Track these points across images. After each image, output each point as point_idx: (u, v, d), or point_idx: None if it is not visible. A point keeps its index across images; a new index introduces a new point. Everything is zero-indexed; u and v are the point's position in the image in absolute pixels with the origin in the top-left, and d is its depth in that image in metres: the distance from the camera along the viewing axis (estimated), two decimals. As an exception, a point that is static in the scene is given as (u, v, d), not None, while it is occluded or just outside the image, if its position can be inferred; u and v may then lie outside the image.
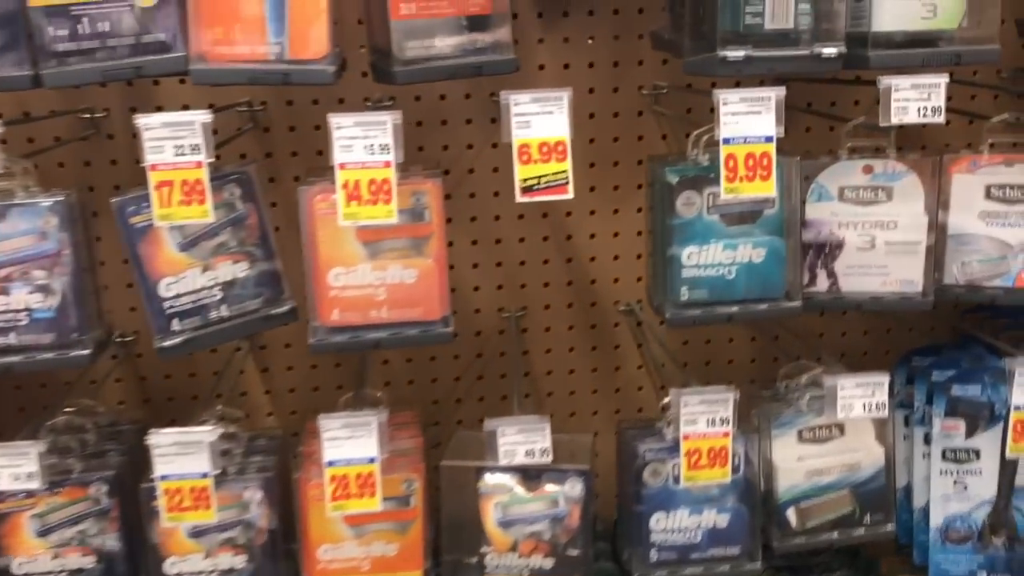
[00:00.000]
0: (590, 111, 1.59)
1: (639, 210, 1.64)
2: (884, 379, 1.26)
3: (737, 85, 1.34)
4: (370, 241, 1.21)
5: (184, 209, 1.11)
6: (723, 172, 1.16)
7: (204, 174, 1.11)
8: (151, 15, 1.14)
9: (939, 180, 1.32)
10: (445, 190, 1.22)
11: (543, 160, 1.14)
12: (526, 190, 1.14)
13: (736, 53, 1.15)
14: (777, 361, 1.56)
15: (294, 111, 1.54)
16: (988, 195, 1.32)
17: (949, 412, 1.43)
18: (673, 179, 1.24)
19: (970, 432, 1.42)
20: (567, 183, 1.15)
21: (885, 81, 1.18)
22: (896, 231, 1.31)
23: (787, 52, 1.17)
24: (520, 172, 1.14)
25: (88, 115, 1.49)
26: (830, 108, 1.62)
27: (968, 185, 1.33)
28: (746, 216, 1.26)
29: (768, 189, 1.17)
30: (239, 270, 1.22)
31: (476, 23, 1.25)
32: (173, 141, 1.10)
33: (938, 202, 1.32)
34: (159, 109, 1.48)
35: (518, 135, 1.14)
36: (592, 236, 1.65)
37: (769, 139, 1.16)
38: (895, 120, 1.18)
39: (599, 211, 1.64)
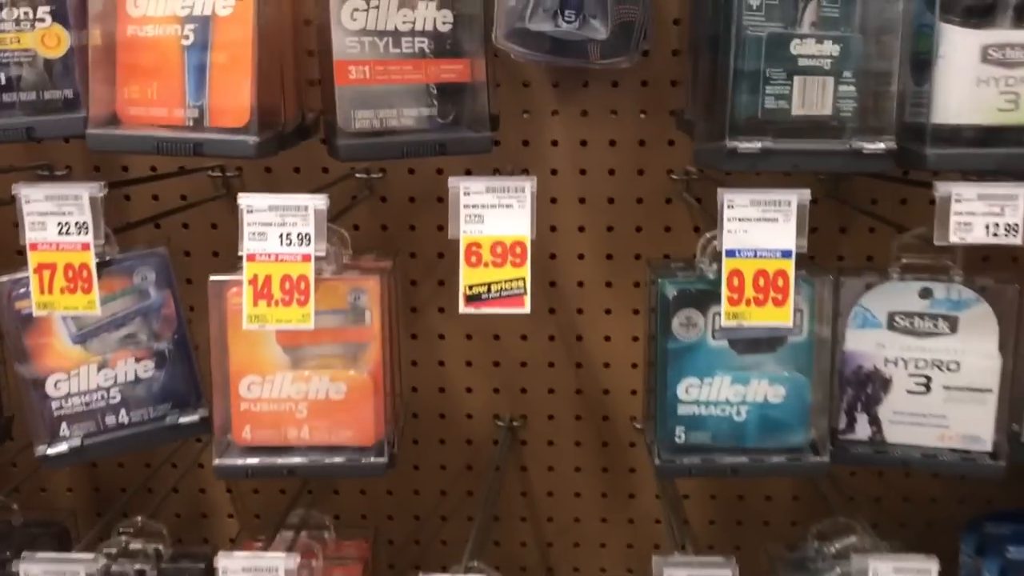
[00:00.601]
0: (609, 195, 1.36)
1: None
2: (932, 566, 0.98)
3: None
4: (292, 346, 1.01)
5: (67, 298, 0.93)
6: (724, 292, 0.92)
7: (90, 258, 0.93)
8: (55, 68, 0.98)
9: (1020, 313, 1.03)
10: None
11: (496, 263, 0.92)
12: (471, 299, 0.92)
13: (749, 145, 0.91)
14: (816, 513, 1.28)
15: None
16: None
17: (1028, 603, 1.12)
18: (671, 292, 1.00)
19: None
20: (523, 294, 0.92)
21: (943, 189, 0.91)
22: (959, 374, 1.03)
23: (818, 145, 0.93)
24: (465, 276, 0.92)
25: (47, 171, 1.35)
26: (897, 208, 1.35)
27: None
28: (763, 343, 1.01)
29: (783, 317, 0.92)
30: (144, 369, 1.04)
31: (447, 92, 1.05)
32: (57, 217, 0.93)
33: (1018, 340, 1.03)
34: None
35: (466, 231, 0.92)
36: (607, 339, 1.41)
37: (787, 254, 0.91)
38: (954, 239, 0.91)
39: (616, 310, 1.40)
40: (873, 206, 1.36)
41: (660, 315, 1.00)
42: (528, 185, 0.92)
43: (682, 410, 1.01)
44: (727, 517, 1.48)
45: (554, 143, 1.35)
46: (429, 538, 1.51)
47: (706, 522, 1.49)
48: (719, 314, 0.98)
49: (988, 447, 1.04)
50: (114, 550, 1.13)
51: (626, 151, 1.34)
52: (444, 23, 1.04)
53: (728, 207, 0.91)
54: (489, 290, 0.92)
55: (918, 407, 1.04)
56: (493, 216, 0.92)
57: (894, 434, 1.05)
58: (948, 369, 1.03)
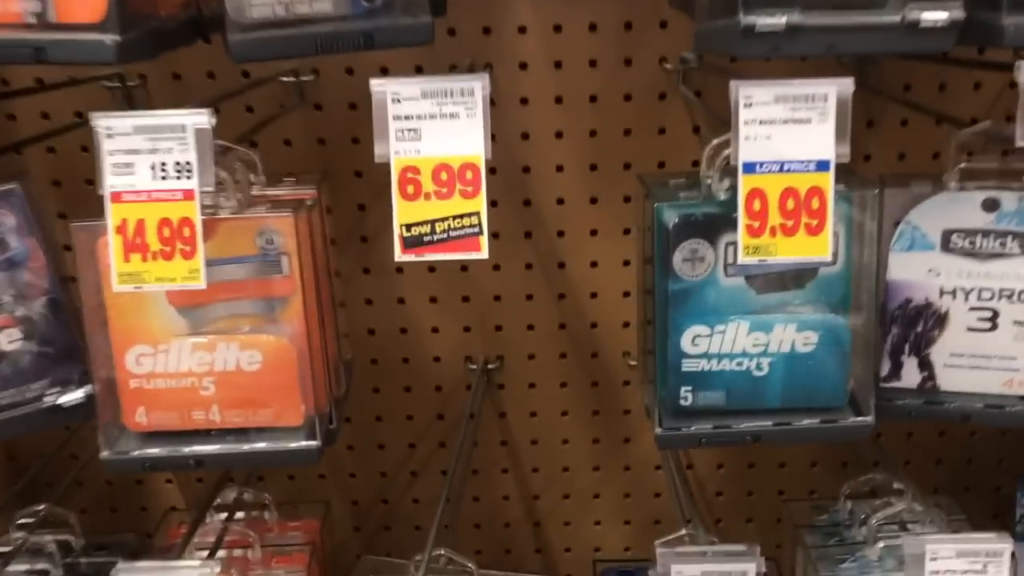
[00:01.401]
0: (591, 92, 1.12)
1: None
2: (1004, 547, 0.78)
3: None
4: (188, 306, 0.79)
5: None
6: (742, 219, 0.69)
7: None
8: None
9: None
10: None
11: (440, 194, 0.70)
12: (410, 243, 0.70)
13: (771, 20, 0.67)
14: (847, 467, 1.10)
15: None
16: None
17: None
18: (671, 220, 0.78)
19: None
20: (479, 233, 0.70)
21: (1032, 69, 0.69)
22: None
23: (861, 18, 0.69)
24: (400, 213, 0.70)
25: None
26: (935, 97, 1.12)
27: None
28: (788, 279, 0.79)
29: (819, 250, 0.70)
30: (7, 339, 0.82)
31: (374, -33, 0.80)
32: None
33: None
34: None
35: (399, 152, 0.69)
36: (593, 264, 1.20)
37: (824, 166, 0.69)
38: None
39: (603, 230, 1.18)
40: (906, 93, 1.13)
41: (658, 248, 0.78)
42: (478, 86, 0.69)
43: (688, 365, 0.80)
44: (738, 485, 1.29)
45: (522, 30, 1.10)
46: (398, 496, 1.33)
47: (712, 493, 1.31)
48: (734, 245, 0.76)
49: None
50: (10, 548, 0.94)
51: (609, 37, 1.10)
52: None
53: (745, 106, 0.68)
54: (433, 230, 0.69)
55: (981, 347, 0.83)
56: (434, 130, 0.69)
57: (950, 380, 0.85)
58: (1020, 300, 0.82)
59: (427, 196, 0.69)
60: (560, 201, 1.17)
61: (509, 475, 1.31)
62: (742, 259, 0.70)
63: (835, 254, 0.77)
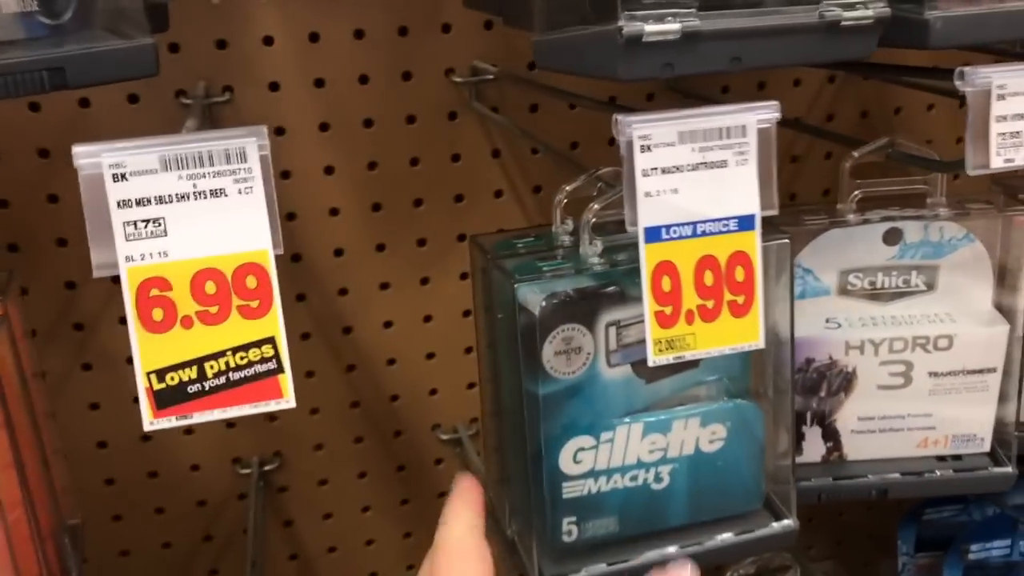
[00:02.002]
0: (364, 115, 0.89)
1: (463, 276, 0.97)
2: None
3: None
4: None
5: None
6: (649, 306, 0.50)
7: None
8: None
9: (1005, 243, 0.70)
10: None
11: (209, 317, 0.44)
12: (167, 400, 0.44)
13: (662, 27, 0.48)
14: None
15: None
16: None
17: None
18: (536, 303, 0.57)
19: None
20: (278, 371, 0.46)
21: (981, 75, 0.54)
22: (952, 352, 0.69)
23: (769, 20, 0.52)
24: (144, 354, 0.44)
25: None
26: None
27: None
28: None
29: (750, 335, 0.52)
30: None
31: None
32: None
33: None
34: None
35: (133, 256, 0.44)
36: (387, 324, 0.97)
37: (747, 223, 0.51)
38: (997, 163, 0.54)
39: (396, 282, 0.96)
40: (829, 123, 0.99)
41: (521, 342, 0.57)
42: (252, 146, 0.44)
43: (570, 490, 0.59)
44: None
45: (268, 41, 0.85)
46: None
47: None
48: (615, 326, 0.57)
49: (986, 446, 0.71)
50: None
51: (380, 46, 0.88)
52: None
53: (643, 149, 0.48)
54: (202, 375, 0.44)
55: (893, 407, 0.70)
56: (188, 218, 0.44)
57: (858, 448, 0.71)
58: (936, 348, 0.68)
59: (186, 322, 0.44)
60: (338, 252, 0.93)
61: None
62: (654, 358, 0.50)
63: (754, 329, 0.59)
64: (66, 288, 0.87)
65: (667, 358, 0.50)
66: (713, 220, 0.50)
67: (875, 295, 0.68)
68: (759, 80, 0.97)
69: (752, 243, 0.50)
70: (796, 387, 0.69)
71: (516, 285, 0.55)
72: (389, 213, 0.93)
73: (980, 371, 0.68)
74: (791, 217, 0.66)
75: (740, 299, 0.51)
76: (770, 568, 0.82)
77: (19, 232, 0.84)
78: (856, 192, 0.66)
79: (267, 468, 0.97)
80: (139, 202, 0.43)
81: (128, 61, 0.52)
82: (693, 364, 0.61)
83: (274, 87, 0.86)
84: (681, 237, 0.50)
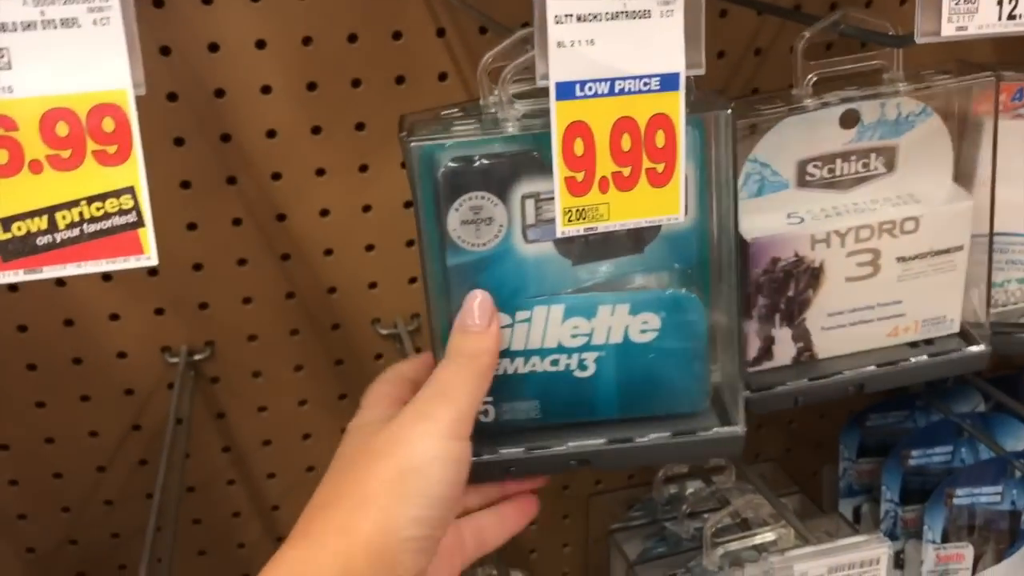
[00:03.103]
0: (299, -20, 0.83)
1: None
2: (881, 553, 0.63)
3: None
4: None
5: None
6: (559, 170, 0.46)
7: None
8: None
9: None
10: None
11: (61, 162, 0.40)
12: (14, 251, 0.40)
13: None
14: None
15: None
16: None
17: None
18: (440, 164, 0.52)
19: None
20: (138, 224, 0.42)
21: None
22: (919, 234, 0.65)
23: None
24: (-9, 201, 0.39)
25: None
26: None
27: (1015, 135, 0.68)
28: (618, 241, 0.57)
29: (669, 206, 0.48)
30: None
31: None
32: None
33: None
34: None
35: (-25, 92, 0.39)
36: (324, 213, 0.93)
37: (671, 82, 0.46)
38: (948, 31, 0.50)
39: (333, 167, 0.91)
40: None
41: (425, 209, 0.53)
42: (109, -31, 0.39)
43: (482, 373, 0.56)
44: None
45: None
46: (91, 534, 1.02)
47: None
48: (534, 198, 0.53)
49: (956, 327, 0.69)
50: None
51: None
52: None
53: (554, -6, 0.44)
54: (52, 225, 0.40)
55: (862, 298, 0.66)
56: (36, 50, 0.39)
57: (828, 345, 0.68)
58: (903, 232, 0.65)
59: (35, 167, 0.40)
60: (271, 133, 0.88)
61: (238, 487, 1.03)
62: (562, 228, 0.47)
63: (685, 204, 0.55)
64: (-22, 161, 0.82)
65: (577, 229, 0.47)
66: (633, 77, 0.45)
67: (835, 183, 0.64)
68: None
69: (675, 105, 0.46)
70: (763, 289, 0.66)
71: (414, 146, 0.50)
72: (325, 93, 0.88)
73: (947, 251, 0.65)
74: (746, 108, 0.61)
75: (660, 167, 0.47)
76: (703, 467, 0.80)
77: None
78: (811, 75, 0.61)
79: (197, 357, 0.94)
80: (-25, 27, 0.38)
81: None
82: (635, 249, 0.57)
83: (200, -52, 0.80)
84: (597, 95, 0.45)
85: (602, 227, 0.47)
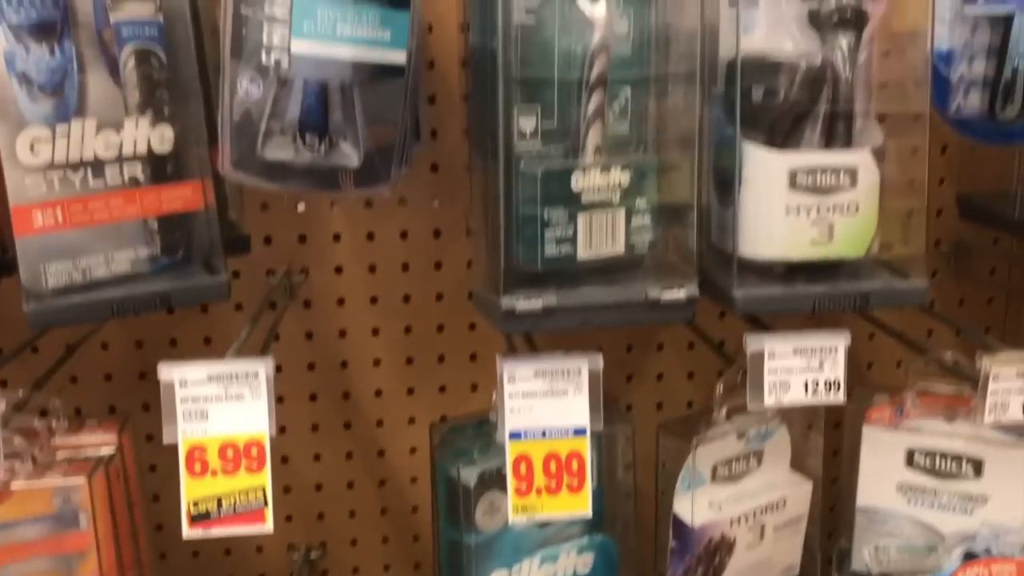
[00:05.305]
0: (405, 292, 1.19)
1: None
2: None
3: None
4: (-16, 571, 0.80)
5: None
6: (511, 482, 0.76)
7: None
8: None
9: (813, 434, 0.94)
10: None
11: (227, 471, 0.74)
12: (197, 519, 0.74)
13: (529, 304, 0.76)
14: None
15: None
16: (911, 462, 0.94)
17: None
18: (470, 478, 0.84)
19: None
20: (264, 507, 0.75)
21: (754, 344, 0.79)
22: (785, 510, 0.92)
23: (610, 295, 0.78)
24: (188, 489, 0.73)
25: None
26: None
27: (885, 444, 0.94)
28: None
29: (580, 506, 0.78)
30: None
31: (172, 225, 0.86)
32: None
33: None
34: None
35: (187, 431, 0.73)
36: (412, 451, 1.25)
37: (580, 432, 0.77)
38: (770, 402, 0.79)
39: (420, 418, 1.24)
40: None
41: (454, 505, 0.84)
42: (262, 370, 0.74)
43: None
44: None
45: (336, 237, 1.17)
46: None
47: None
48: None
49: (796, 571, 0.94)
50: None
51: (420, 243, 1.18)
52: (163, 143, 0.84)
53: (509, 381, 0.75)
54: (219, 505, 0.73)
55: (754, 558, 0.93)
56: (220, 410, 0.73)
57: None
58: (779, 508, 0.92)
59: (213, 472, 0.73)
60: (378, 393, 1.22)
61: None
62: (512, 518, 0.77)
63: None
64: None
65: (522, 518, 0.76)
66: (558, 429, 0.76)
67: (732, 477, 0.92)
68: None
69: (584, 445, 0.76)
70: (701, 561, 0.92)
71: (451, 467, 0.82)
72: (418, 366, 1.22)
73: (798, 518, 0.91)
74: (691, 426, 0.91)
75: (575, 482, 0.77)
76: None
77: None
78: (724, 406, 0.90)
79: (313, 555, 1.26)
80: (193, 400, 0.73)
81: (209, 292, 0.84)
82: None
83: (339, 270, 1.17)
84: (535, 437, 0.76)
85: (539, 517, 0.77)
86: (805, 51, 0.80)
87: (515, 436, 0.76)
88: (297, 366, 1.19)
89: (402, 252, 1.18)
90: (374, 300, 1.19)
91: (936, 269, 1.21)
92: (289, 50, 0.74)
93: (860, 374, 1.24)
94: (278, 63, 0.76)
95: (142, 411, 1.14)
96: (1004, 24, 0.82)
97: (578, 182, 0.77)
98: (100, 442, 0.88)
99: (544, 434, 0.76)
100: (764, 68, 0.79)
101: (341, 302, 1.19)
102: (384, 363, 1.22)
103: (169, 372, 0.74)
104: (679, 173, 0.81)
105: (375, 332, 1.20)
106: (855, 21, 0.77)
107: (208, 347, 1.17)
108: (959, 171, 1.21)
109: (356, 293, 1.19)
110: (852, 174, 0.78)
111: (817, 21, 0.78)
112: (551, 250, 0.76)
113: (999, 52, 0.82)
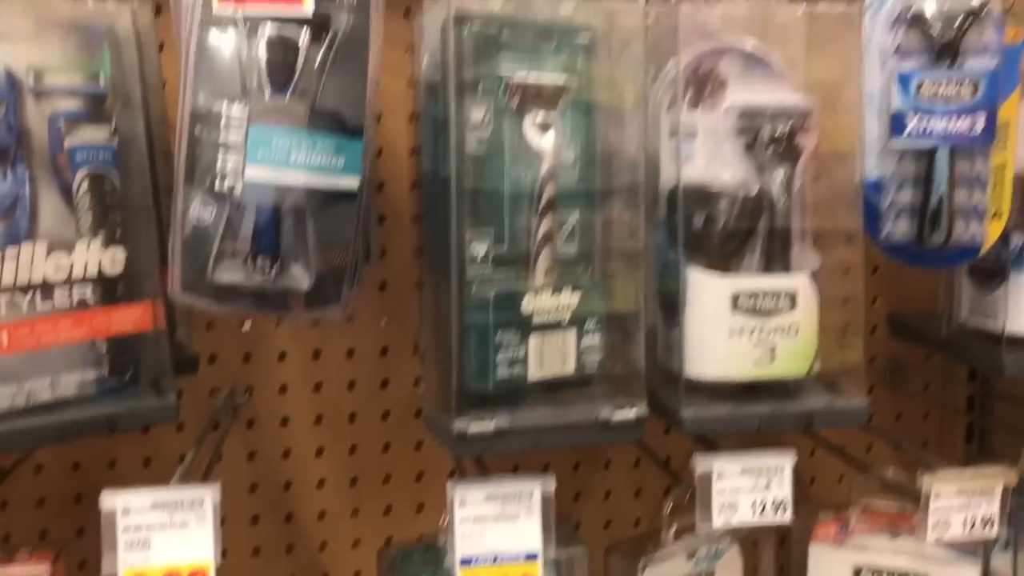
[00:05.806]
0: (351, 410, 1.18)
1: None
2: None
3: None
4: None
5: None
6: (462, 607, 0.75)
7: None
8: None
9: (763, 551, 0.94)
10: None
11: (169, 602, 0.71)
12: (137, 654, 0.71)
13: (481, 426, 0.76)
14: None
15: None
16: (856, 580, 0.95)
17: None
18: None
19: None
20: (211, 628, 0.72)
21: (703, 465, 0.80)
22: None
23: (560, 417, 0.79)
24: (127, 625, 0.71)
25: None
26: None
27: (832, 562, 0.95)
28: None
29: (533, 617, 0.76)
30: None
31: (122, 347, 0.85)
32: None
33: None
34: None
35: (128, 562, 0.71)
36: (357, 575, 1.22)
37: (532, 557, 0.76)
38: (719, 522, 0.79)
39: (365, 540, 1.21)
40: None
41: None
42: (208, 497, 0.72)
43: None
44: None
45: (282, 356, 1.16)
46: None
47: None
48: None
49: None
50: None
51: (366, 361, 1.18)
52: (115, 264, 0.84)
53: (460, 505, 0.75)
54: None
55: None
56: (164, 538, 0.71)
57: None
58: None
59: (154, 597, 0.71)
60: (321, 515, 1.20)
61: None
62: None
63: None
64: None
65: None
66: (508, 555, 0.75)
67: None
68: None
69: (535, 571, 0.76)
70: None
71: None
72: (363, 487, 1.20)
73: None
74: (640, 546, 0.91)
75: (528, 601, 0.76)
76: None
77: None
78: (673, 526, 0.91)
79: None
80: (135, 528, 0.71)
81: (157, 414, 0.83)
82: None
83: (283, 389, 1.16)
84: (486, 563, 0.75)
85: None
86: (743, 180, 0.83)
87: (466, 562, 0.75)
88: (239, 487, 1.17)
89: (348, 370, 1.17)
90: (319, 419, 1.18)
91: (873, 384, 1.24)
92: (243, 176, 0.75)
93: (803, 489, 1.25)
94: (231, 189, 0.76)
95: (75, 536, 1.10)
96: (928, 155, 0.87)
97: (529, 304, 0.78)
98: (32, 574, 0.84)
99: (495, 559, 0.75)
100: (704, 196, 0.83)
101: (285, 422, 1.17)
102: (328, 484, 1.20)
103: (112, 500, 0.72)
104: (626, 294, 0.83)
105: (319, 452, 1.19)
106: (789, 155, 0.81)
107: (148, 469, 1.14)
108: (888, 291, 1.26)
109: (300, 412, 1.17)
110: (792, 297, 0.81)
111: (753, 154, 0.82)
112: (503, 372, 0.77)
113: (925, 181, 0.87)
